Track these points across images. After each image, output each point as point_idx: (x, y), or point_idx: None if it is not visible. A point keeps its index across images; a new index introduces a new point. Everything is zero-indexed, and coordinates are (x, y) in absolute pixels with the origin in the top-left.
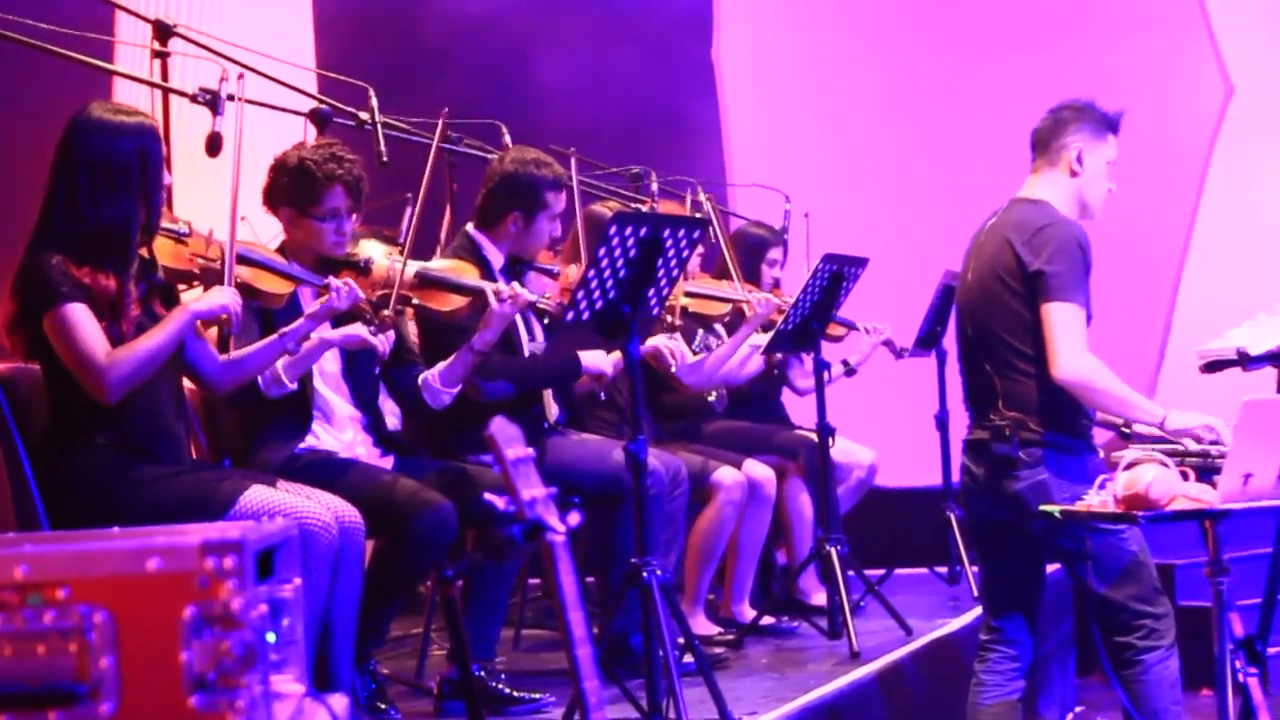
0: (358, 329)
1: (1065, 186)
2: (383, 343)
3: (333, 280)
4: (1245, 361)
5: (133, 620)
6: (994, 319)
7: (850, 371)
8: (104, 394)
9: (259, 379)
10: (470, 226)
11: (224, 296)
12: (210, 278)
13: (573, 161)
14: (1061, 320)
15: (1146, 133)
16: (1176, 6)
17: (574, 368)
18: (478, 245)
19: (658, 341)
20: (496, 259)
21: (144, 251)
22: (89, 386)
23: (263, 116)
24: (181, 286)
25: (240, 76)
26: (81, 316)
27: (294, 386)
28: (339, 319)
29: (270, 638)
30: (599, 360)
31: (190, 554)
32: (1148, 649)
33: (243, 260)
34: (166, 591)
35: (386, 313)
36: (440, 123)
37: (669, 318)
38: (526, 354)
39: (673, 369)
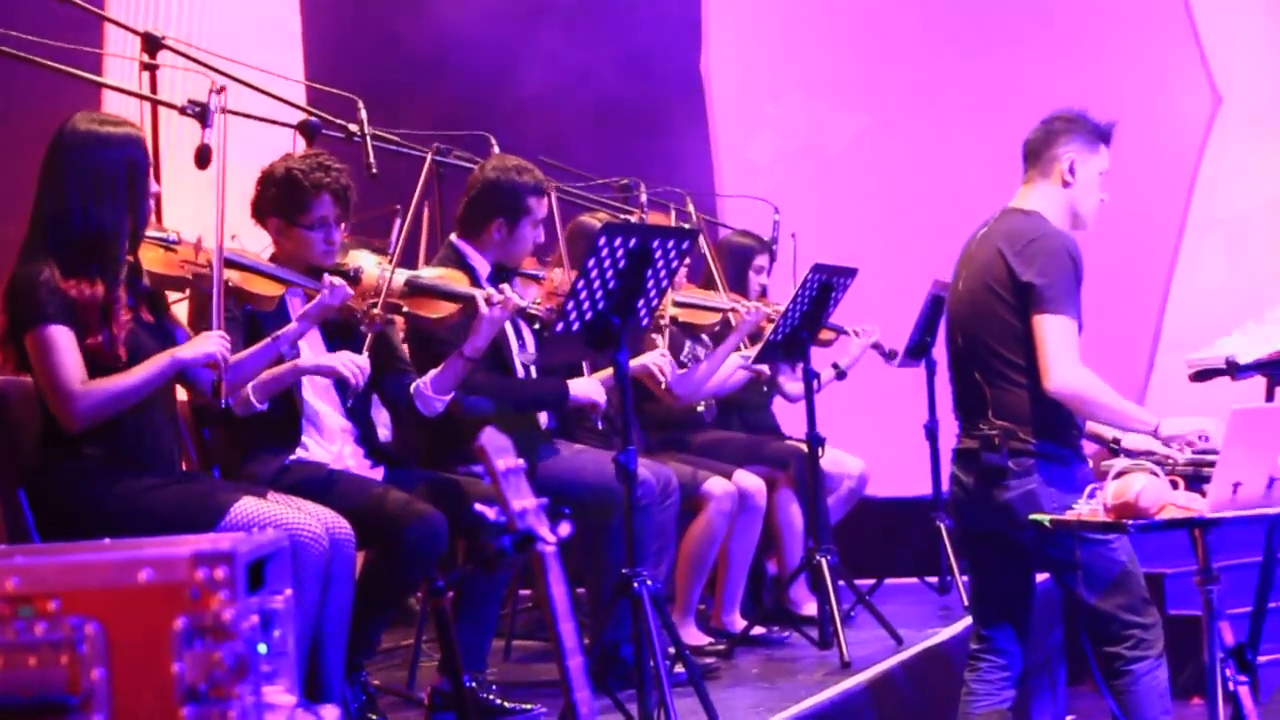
0: (331, 359)
1: (1057, 197)
2: (355, 375)
3: (326, 276)
4: (1234, 370)
5: (124, 631)
6: (984, 329)
7: (841, 374)
8: (70, 422)
9: (230, 399)
10: (454, 236)
11: (210, 344)
12: (201, 284)
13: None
14: (1053, 332)
15: (1135, 142)
16: (1164, 16)
17: (562, 397)
18: (462, 254)
19: (646, 360)
20: (483, 267)
21: (129, 258)
22: (55, 411)
23: (252, 129)
24: (175, 296)
25: (222, 90)
26: (61, 340)
27: (263, 407)
28: (329, 328)
29: (261, 649)
30: (590, 390)
31: (181, 565)
32: (1136, 659)
33: (232, 265)
34: (158, 603)
35: (376, 311)
36: (429, 155)
37: (661, 323)
38: (518, 363)
39: (663, 386)
